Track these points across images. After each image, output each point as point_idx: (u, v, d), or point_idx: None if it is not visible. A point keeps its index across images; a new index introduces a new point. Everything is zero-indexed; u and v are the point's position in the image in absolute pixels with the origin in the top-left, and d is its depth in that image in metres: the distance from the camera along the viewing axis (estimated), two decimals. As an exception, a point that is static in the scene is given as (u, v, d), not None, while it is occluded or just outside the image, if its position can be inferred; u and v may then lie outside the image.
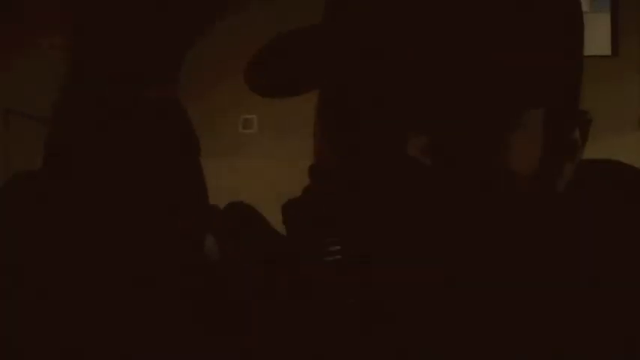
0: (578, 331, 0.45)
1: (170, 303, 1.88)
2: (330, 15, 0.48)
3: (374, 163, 0.43)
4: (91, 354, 1.25)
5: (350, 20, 0.45)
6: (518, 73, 0.42)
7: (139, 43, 2.17)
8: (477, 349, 0.45)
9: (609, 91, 3.54)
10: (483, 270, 0.44)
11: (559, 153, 0.47)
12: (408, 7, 0.43)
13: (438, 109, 0.42)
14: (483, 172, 0.43)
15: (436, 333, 0.45)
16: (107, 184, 1.49)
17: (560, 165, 0.47)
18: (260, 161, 4.65)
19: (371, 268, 0.44)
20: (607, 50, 3.93)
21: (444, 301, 0.44)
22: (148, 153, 1.73)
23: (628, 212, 0.49)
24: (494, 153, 0.43)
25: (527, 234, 0.45)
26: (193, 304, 1.93)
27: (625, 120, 3.72)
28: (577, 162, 0.48)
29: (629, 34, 3.95)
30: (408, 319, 0.45)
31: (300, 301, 0.49)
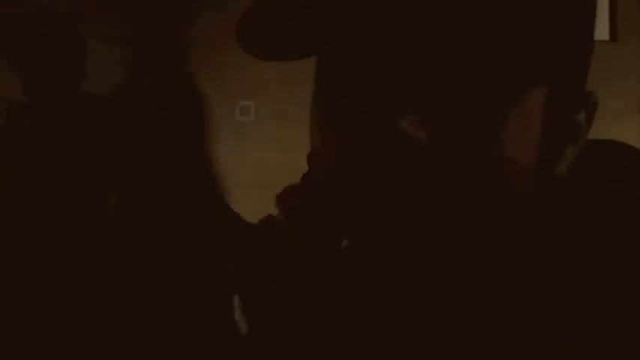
0: (579, 323, 0.45)
1: (169, 302, 1.89)
2: None
3: (370, 147, 0.43)
4: (91, 354, 1.25)
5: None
6: (520, 49, 0.41)
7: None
8: (476, 348, 0.45)
9: (607, 76, 3.53)
10: (483, 258, 0.43)
11: (562, 135, 0.46)
12: None
13: (437, 88, 0.41)
14: (484, 156, 0.42)
15: (436, 330, 0.45)
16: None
17: (562, 147, 0.46)
18: (258, 148, 4.63)
19: (372, 264, 0.43)
20: (605, 35, 3.91)
21: (447, 295, 0.43)
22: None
23: (630, 194, 0.48)
24: (495, 135, 0.42)
25: (528, 218, 0.45)
26: (192, 302, 1.94)
27: (624, 105, 3.71)
28: (580, 145, 0.47)
29: (627, 19, 3.93)
30: (408, 315, 0.44)
31: (299, 300, 0.48)
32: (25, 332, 1.20)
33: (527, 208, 0.45)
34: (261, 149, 4.64)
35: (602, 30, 3.93)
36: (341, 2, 0.42)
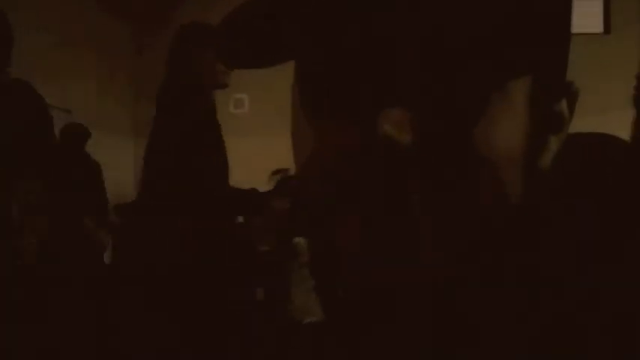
0: (577, 323, 0.45)
1: (171, 301, 1.89)
2: None
3: (351, 144, 0.42)
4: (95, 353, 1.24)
5: None
6: (502, 41, 0.41)
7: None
8: (475, 348, 0.45)
9: (602, 68, 3.53)
10: (481, 258, 0.43)
11: (545, 126, 0.46)
12: None
13: (422, 79, 0.41)
14: (466, 148, 0.42)
15: (435, 330, 0.44)
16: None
17: (546, 138, 0.46)
18: (252, 141, 4.63)
19: (372, 264, 0.43)
20: (599, 28, 3.92)
21: (447, 295, 0.43)
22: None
23: (617, 187, 0.48)
24: (478, 126, 0.42)
25: (513, 212, 0.44)
26: (194, 303, 1.94)
27: (619, 96, 3.72)
28: (564, 135, 0.47)
29: (621, 11, 3.94)
30: (408, 315, 0.44)
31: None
32: (24, 332, 1.20)
33: (519, 199, 0.45)
34: (255, 142, 4.65)
35: (596, 23, 3.95)
36: (322, 3, 0.41)
